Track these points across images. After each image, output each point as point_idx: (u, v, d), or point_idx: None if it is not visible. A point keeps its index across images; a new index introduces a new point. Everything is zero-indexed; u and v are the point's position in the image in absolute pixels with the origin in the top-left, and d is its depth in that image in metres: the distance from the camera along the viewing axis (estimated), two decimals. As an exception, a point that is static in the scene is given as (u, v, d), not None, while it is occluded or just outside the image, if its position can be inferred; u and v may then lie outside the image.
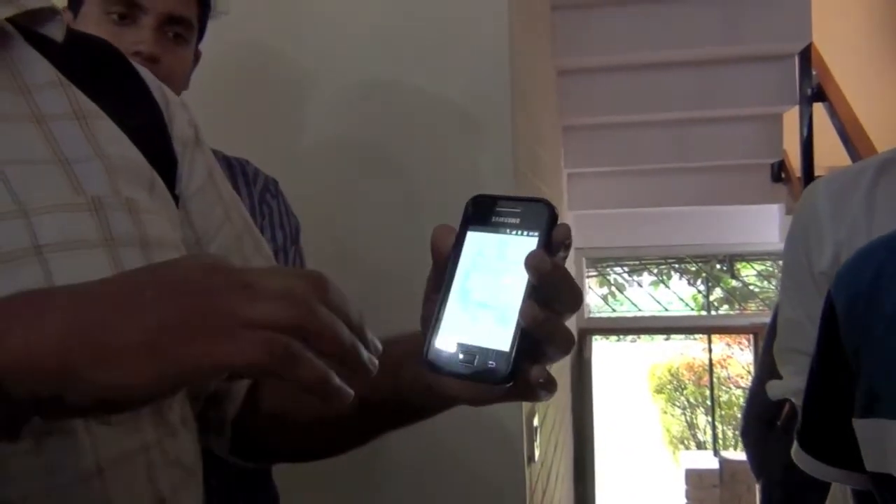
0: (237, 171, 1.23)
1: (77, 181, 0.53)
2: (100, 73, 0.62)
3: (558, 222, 0.48)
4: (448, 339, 0.48)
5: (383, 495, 1.50)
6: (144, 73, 0.65)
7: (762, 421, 1.78)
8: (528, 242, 0.48)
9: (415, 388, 0.54)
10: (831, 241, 0.98)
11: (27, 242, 0.49)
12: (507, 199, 0.50)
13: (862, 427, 0.68)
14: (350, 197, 1.57)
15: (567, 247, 0.48)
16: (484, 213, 0.50)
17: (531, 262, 0.46)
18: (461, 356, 0.48)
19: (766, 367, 1.62)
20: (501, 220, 0.49)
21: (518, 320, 0.46)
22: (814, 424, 0.79)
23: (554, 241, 0.47)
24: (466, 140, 1.54)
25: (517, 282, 0.47)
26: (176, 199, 0.62)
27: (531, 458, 1.71)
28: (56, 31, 0.60)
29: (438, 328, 0.49)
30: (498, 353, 0.47)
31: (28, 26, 0.59)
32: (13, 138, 0.53)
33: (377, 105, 1.58)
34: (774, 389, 1.12)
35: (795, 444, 0.80)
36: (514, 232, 0.49)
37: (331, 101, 1.59)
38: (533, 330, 0.46)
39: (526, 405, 1.67)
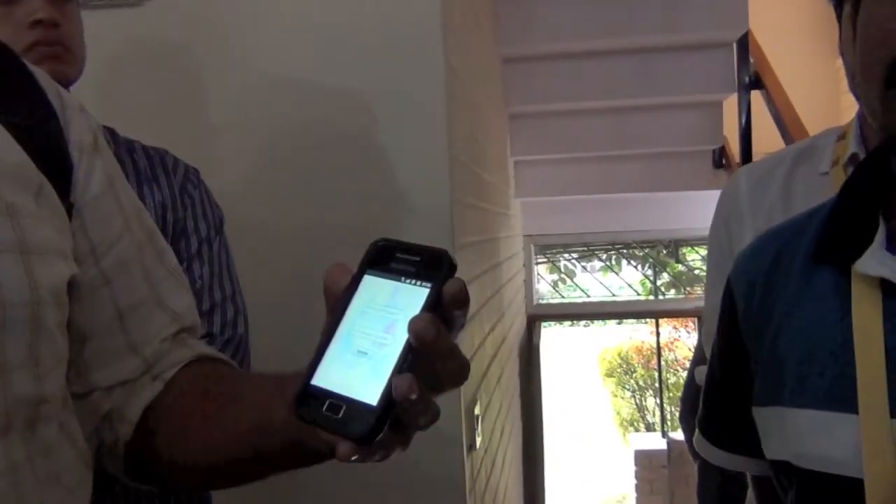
0: (156, 161, 1.20)
1: None
2: None
3: (455, 274, 0.45)
4: (321, 385, 0.46)
5: (315, 486, 1.49)
6: (40, 75, 0.62)
7: (696, 405, 1.81)
8: (419, 293, 0.45)
9: (286, 435, 0.52)
10: (751, 229, 1.00)
11: None
12: (408, 246, 0.47)
13: (762, 415, 0.68)
14: (277, 189, 1.55)
15: (462, 303, 0.45)
16: (384, 257, 0.48)
17: (414, 327, 0.43)
18: (327, 406, 0.45)
19: (698, 353, 1.65)
20: (399, 266, 0.47)
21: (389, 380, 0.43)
22: (714, 412, 0.79)
23: (444, 296, 0.44)
24: (399, 129, 1.53)
25: (401, 334, 0.44)
26: (70, 206, 0.59)
27: (472, 446, 1.72)
28: None
29: (315, 373, 0.46)
30: (364, 408, 0.44)
31: None
32: None
33: (307, 94, 1.55)
34: (701, 375, 1.14)
35: (697, 433, 0.80)
36: (408, 280, 0.46)
37: (258, 91, 1.56)
38: (402, 404, 0.43)
39: (466, 393, 1.68)
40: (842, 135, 1.01)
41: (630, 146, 3.89)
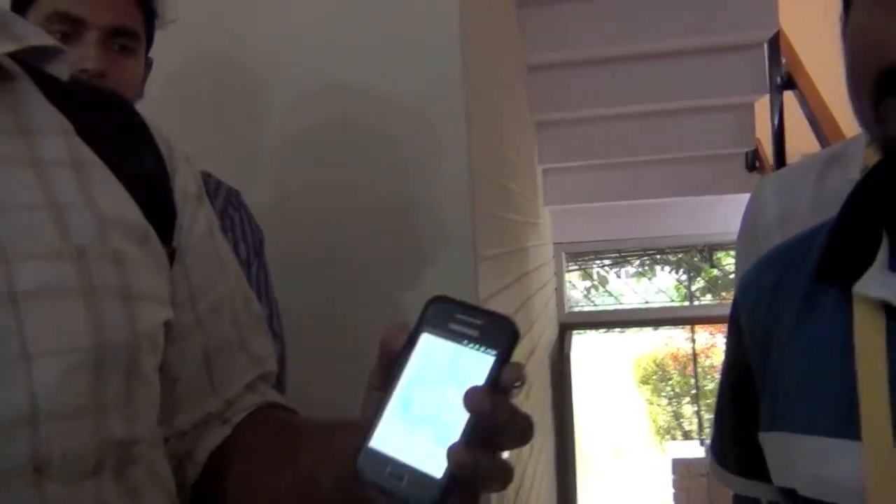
0: None
1: (65, 228, 0.53)
2: (105, 119, 0.62)
3: (518, 340, 0.45)
4: (381, 450, 0.45)
5: None
6: (153, 126, 0.65)
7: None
8: (483, 361, 0.44)
9: (339, 490, 0.51)
10: (780, 239, 0.96)
11: (3, 288, 0.48)
12: (469, 308, 0.47)
13: (767, 440, 0.65)
14: (293, 204, 1.54)
15: (521, 383, 0.45)
16: (443, 316, 0.47)
17: (470, 403, 0.42)
18: (390, 471, 0.44)
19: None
20: (460, 328, 0.46)
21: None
22: (725, 435, 0.75)
23: (502, 381, 0.44)
24: (422, 142, 1.51)
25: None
26: (172, 251, 0.61)
27: (499, 462, 1.69)
28: (62, 70, 0.59)
29: (373, 434, 0.45)
30: (429, 479, 0.43)
31: (32, 64, 0.58)
32: (6, 182, 0.52)
33: (330, 110, 1.54)
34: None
35: (710, 456, 0.78)
36: (470, 345, 0.45)
37: (284, 107, 1.55)
38: (461, 475, 0.43)
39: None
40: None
41: (661, 151, 3.84)
